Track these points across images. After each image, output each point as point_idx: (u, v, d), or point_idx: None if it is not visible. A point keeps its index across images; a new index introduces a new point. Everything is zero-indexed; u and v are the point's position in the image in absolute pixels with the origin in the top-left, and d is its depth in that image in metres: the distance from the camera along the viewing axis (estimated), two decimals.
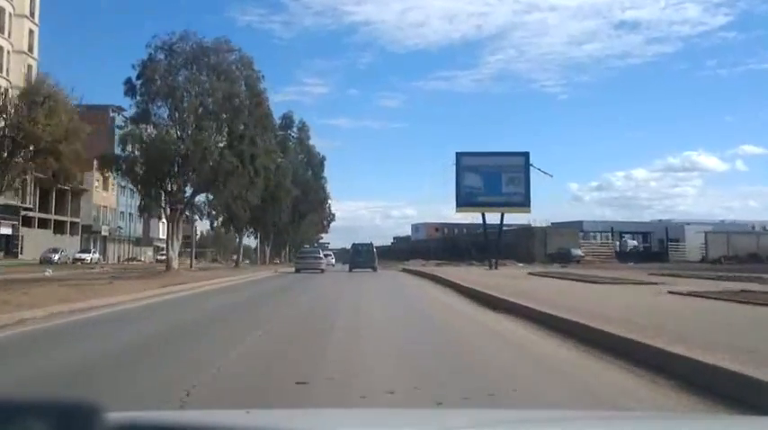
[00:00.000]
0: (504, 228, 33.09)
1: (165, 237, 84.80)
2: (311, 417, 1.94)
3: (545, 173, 33.29)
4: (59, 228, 61.96)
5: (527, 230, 56.19)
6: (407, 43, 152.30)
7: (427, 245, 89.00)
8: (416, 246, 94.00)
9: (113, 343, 6.53)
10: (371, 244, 37.71)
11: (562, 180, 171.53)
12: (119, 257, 69.89)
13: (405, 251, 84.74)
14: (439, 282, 20.05)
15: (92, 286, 14.26)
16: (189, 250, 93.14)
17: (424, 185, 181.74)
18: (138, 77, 24.25)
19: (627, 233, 71.29)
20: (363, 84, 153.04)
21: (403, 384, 4.25)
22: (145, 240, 79.17)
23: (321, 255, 34.16)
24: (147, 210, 25.96)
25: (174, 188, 24.14)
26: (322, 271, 31.23)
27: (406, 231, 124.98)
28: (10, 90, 25.41)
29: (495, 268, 30.56)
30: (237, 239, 47.24)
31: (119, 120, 41.04)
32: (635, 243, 70.66)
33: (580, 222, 70.45)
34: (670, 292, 11.22)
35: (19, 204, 52.43)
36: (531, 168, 31.46)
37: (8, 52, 51.67)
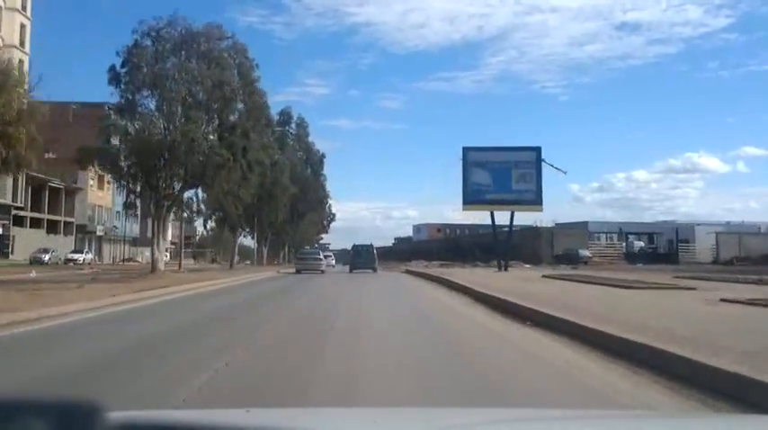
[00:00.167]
0: (511, 228, 31.15)
1: (168, 237, 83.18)
2: (311, 416, 1.93)
3: (558, 169, 31.29)
4: (53, 227, 60.70)
5: (533, 231, 54.47)
6: (408, 44, 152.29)
7: (429, 245, 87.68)
8: (418, 246, 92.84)
9: None
10: (371, 245, 37.79)
11: (563, 181, 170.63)
12: (114, 258, 68.34)
13: (406, 252, 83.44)
14: (446, 285, 18.35)
15: (57, 291, 12.71)
16: (188, 250, 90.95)
17: (426, 186, 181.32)
18: (123, 65, 22.56)
19: (631, 234, 70.06)
20: (364, 85, 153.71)
21: None
22: (142, 240, 77.50)
23: (321, 257, 34.27)
24: (132, 208, 24.16)
25: (161, 183, 22.37)
26: (322, 272, 31.32)
27: (408, 232, 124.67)
28: None
29: (505, 270, 28.76)
30: (235, 239, 45.42)
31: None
32: (641, 244, 69.76)
33: (585, 223, 69.21)
34: (723, 300, 9.55)
35: (10, 203, 51.04)
36: (543, 164, 29.57)
37: None
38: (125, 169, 22.05)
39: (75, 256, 53.06)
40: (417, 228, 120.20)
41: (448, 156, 65.48)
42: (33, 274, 24.22)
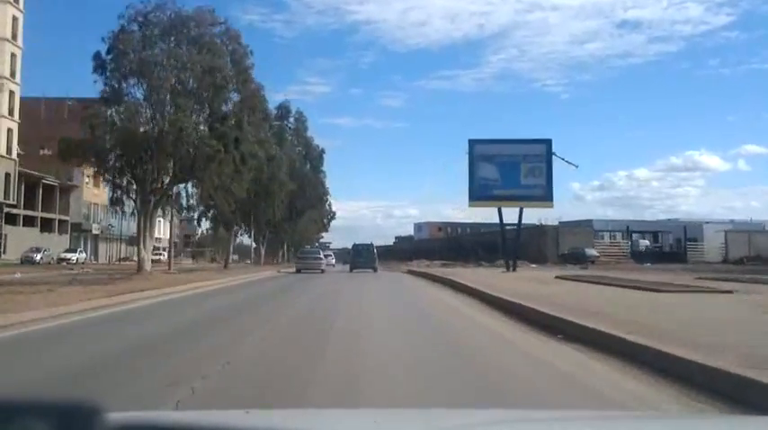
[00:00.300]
0: (513, 227, 29.58)
1: (163, 236, 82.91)
2: (310, 417, 1.94)
3: (569, 163, 29.55)
4: (47, 226, 59.74)
5: (538, 229, 53.04)
6: (409, 42, 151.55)
7: (430, 244, 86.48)
8: (419, 245, 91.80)
9: None
10: (372, 244, 37.69)
11: (564, 179, 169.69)
12: (110, 257, 67.12)
13: (407, 251, 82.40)
14: (453, 287, 16.99)
15: (26, 295, 11.39)
16: (188, 250, 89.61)
17: (427, 185, 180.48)
18: (109, 52, 21.17)
19: (635, 232, 69.05)
20: (365, 83, 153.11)
21: None
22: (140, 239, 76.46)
23: (321, 256, 34.71)
24: (119, 204, 22.73)
25: (148, 177, 20.93)
26: (322, 271, 31.58)
27: (408, 231, 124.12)
28: None
29: (513, 270, 27.30)
30: (233, 238, 43.94)
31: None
32: (647, 243, 68.77)
33: (589, 221, 67.98)
34: None
35: (2, 201, 49.89)
36: (554, 158, 27.99)
37: None
38: (110, 162, 20.56)
39: (69, 256, 52.11)
40: (418, 227, 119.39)
41: (449, 155, 64.58)
42: (18, 275, 23.08)
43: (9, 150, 52.42)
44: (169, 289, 14.31)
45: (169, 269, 25.17)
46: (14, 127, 53.49)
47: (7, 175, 51.33)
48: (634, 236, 67.78)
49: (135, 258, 68.85)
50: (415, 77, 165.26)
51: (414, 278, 26.04)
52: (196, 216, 34.35)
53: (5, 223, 51.77)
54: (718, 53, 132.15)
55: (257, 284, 19.79)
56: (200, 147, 19.82)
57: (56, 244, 56.77)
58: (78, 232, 64.38)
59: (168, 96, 20.38)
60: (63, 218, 61.53)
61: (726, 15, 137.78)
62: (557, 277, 19.31)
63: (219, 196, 22.90)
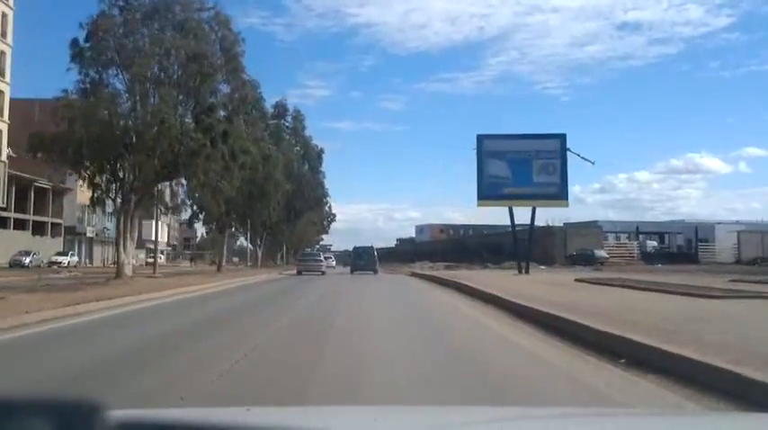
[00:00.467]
0: (519, 228, 27.74)
1: (160, 238, 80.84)
2: (311, 415, 1.91)
3: (585, 159, 27.48)
4: (39, 229, 58.38)
5: (545, 230, 51.33)
6: (409, 45, 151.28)
7: (433, 246, 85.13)
8: (421, 247, 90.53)
9: None
10: (372, 247, 38.33)
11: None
12: (105, 260, 65.63)
13: (409, 253, 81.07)
14: (463, 291, 15.25)
15: None
16: (188, 253, 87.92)
17: (427, 187, 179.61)
18: (87, 39, 19.46)
19: (641, 233, 67.93)
20: (365, 86, 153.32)
21: None
22: (136, 242, 74.99)
23: (322, 258, 36.20)
24: (100, 204, 20.96)
25: (128, 174, 19.16)
26: (323, 273, 32.68)
27: (410, 233, 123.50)
28: None
29: (526, 273, 25.48)
30: (226, 240, 42.13)
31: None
32: (654, 244, 67.55)
33: (595, 221, 66.65)
34: None
35: None
36: (569, 153, 25.96)
37: None
38: (86, 159, 18.71)
39: (60, 259, 50.81)
40: (420, 229, 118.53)
41: (449, 156, 63.04)
42: None
43: None
44: (145, 295, 12.53)
45: (154, 273, 23.38)
46: (4, 128, 52.00)
47: None
48: (640, 237, 66.35)
49: (132, 261, 67.44)
50: (415, 80, 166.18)
51: (420, 282, 24.18)
52: (186, 216, 32.58)
53: None
54: (719, 55, 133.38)
55: (246, 290, 17.86)
56: (185, 141, 18.06)
57: (48, 247, 55.50)
58: (72, 235, 63.18)
59: (150, 86, 18.62)
60: (56, 221, 60.12)
61: (726, 17, 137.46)
62: (576, 280, 17.55)
63: (207, 194, 21.10)
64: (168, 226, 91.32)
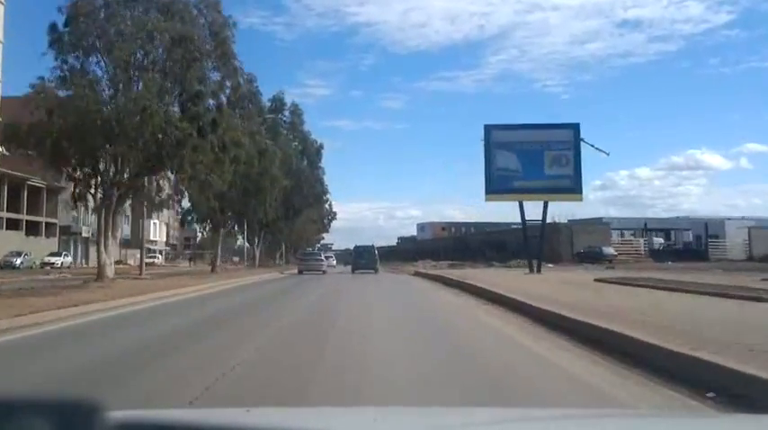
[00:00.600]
0: (530, 223, 26.27)
1: (159, 238, 78.70)
2: (311, 416, 1.91)
3: (600, 150, 25.82)
4: (33, 229, 57.07)
5: (551, 227, 49.96)
6: (409, 44, 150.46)
7: (435, 245, 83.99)
8: (423, 246, 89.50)
9: None
10: (373, 246, 38.52)
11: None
12: None
13: (410, 252, 79.92)
14: (475, 293, 13.83)
15: None
16: (188, 252, 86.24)
17: (428, 186, 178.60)
18: (67, 24, 18.10)
19: (648, 230, 66.91)
20: (365, 85, 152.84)
21: None
22: (134, 242, 73.69)
23: (323, 258, 36.55)
24: (82, 200, 19.52)
25: (108, 167, 17.75)
26: (323, 272, 33.04)
27: (411, 231, 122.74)
28: None
29: (538, 271, 24.01)
30: (221, 238, 40.68)
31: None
32: (661, 240, 66.66)
33: (600, 218, 65.58)
34: None
35: None
36: (583, 144, 24.34)
37: None
38: (65, 150, 17.24)
39: (53, 260, 49.65)
40: (421, 227, 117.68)
41: (450, 154, 61.81)
42: None
43: None
44: (117, 301, 11.09)
45: (140, 274, 21.98)
46: None
47: None
48: (646, 234, 65.20)
49: (129, 261, 66.00)
50: (415, 79, 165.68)
51: (425, 282, 22.50)
52: (179, 215, 31.22)
53: None
54: (719, 52, 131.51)
55: (240, 292, 16.48)
56: (169, 131, 16.64)
57: (43, 247, 54.36)
58: (67, 235, 61.94)
59: (134, 72, 17.23)
60: (51, 220, 58.84)
61: (726, 14, 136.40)
62: (596, 280, 16.15)
63: (195, 189, 19.68)
64: (167, 225, 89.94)
